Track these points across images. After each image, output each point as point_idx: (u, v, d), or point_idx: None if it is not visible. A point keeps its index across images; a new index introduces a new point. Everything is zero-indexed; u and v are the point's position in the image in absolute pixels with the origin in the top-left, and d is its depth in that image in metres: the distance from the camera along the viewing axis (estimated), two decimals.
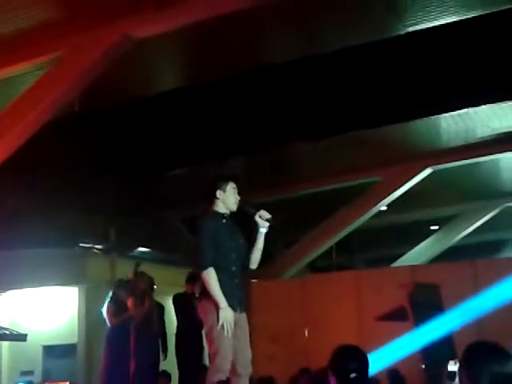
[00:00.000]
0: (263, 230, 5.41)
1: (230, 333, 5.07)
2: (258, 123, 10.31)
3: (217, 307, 5.09)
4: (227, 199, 5.40)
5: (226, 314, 5.08)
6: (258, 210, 5.40)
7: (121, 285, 9.67)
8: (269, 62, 8.80)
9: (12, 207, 11.75)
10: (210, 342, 5.17)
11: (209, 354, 5.28)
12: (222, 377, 5.03)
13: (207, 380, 5.10)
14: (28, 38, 7.10)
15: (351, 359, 3.79)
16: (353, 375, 3.70)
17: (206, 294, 5.19)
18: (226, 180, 5.47)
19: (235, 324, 5.14)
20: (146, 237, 15.59)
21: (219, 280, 5.17)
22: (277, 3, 6.71)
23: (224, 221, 5.40)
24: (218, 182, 5.45)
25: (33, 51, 7.19)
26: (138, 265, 9.79)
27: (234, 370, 5.13)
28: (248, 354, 5.27)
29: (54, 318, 15.38)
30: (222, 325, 5.05)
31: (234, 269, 5.31)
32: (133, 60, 7.75)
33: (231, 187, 5.42)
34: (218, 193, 5.39)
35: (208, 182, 5.56)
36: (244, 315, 5.33)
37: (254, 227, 5.42)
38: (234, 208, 5.41)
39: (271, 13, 7.29)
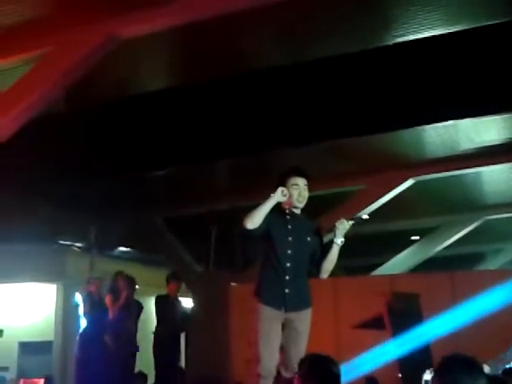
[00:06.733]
0: (338, 241, 5.08)
1: (270, 333, 4.91)
2: (243, 127, 10.31)
3: (259, 309, 4.93)
4: (290, 197, 5.07)
5: (263, 313, 4.91)
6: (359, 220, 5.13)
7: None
8: (255, 67, 8.80)
9: None
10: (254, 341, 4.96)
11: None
12: (263, 373, 4.91)
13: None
14: (13, 34, 7.03)
15: (331, 365, 3.84)
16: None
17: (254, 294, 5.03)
18: (288, 175, 5.14)
19: (286, 323, 4.96)
20: (127, 236, 15.53)
21: (267, 274, 5.02)
22: (264, 9, 6.69)
23: (287, 217, 5.09)
24: (282, 178, 5.14)
25: (17, 47, 7.11)
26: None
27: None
28: (292, 354, 4.95)
29: (31, 315, 15.32)
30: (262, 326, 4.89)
31: (288, 265, 4.99)
32: (118, 59, 7.73)
33: (293, 183, 5.10)
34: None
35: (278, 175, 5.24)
36: (300, 314, 5.02)
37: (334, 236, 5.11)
38: (298, 205, 5.11)
39: (258, 19, 7.28)
